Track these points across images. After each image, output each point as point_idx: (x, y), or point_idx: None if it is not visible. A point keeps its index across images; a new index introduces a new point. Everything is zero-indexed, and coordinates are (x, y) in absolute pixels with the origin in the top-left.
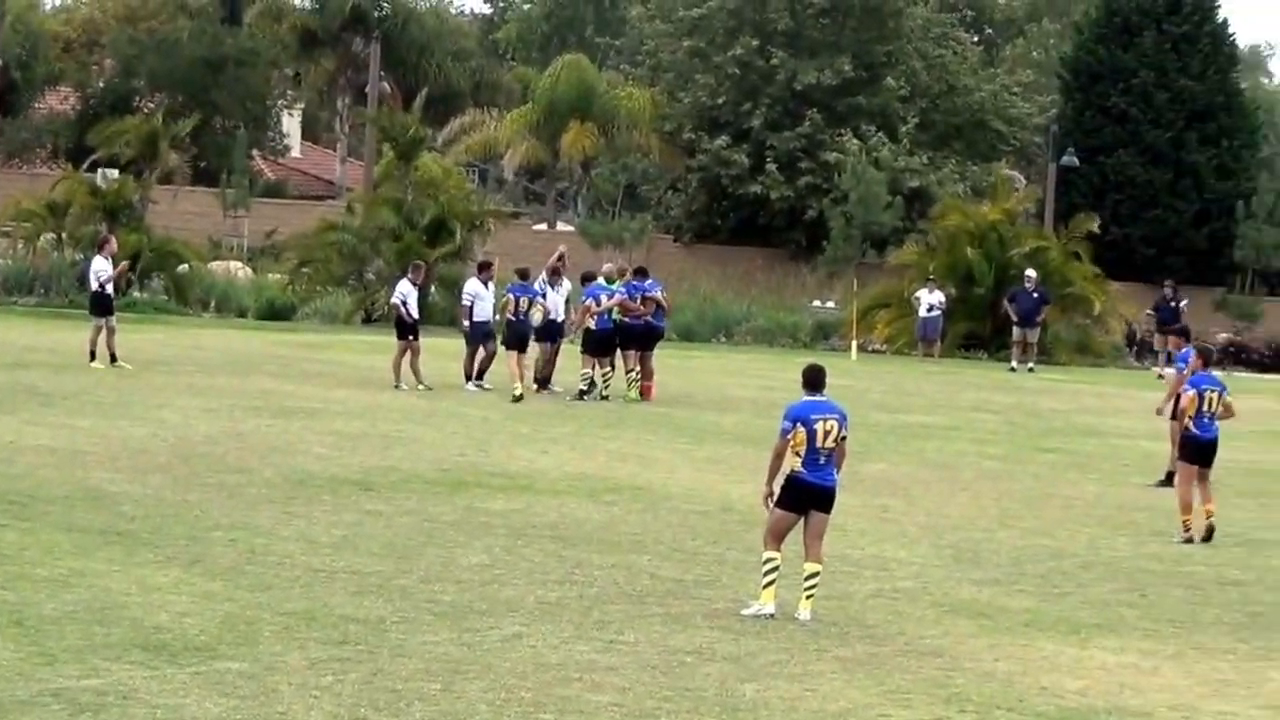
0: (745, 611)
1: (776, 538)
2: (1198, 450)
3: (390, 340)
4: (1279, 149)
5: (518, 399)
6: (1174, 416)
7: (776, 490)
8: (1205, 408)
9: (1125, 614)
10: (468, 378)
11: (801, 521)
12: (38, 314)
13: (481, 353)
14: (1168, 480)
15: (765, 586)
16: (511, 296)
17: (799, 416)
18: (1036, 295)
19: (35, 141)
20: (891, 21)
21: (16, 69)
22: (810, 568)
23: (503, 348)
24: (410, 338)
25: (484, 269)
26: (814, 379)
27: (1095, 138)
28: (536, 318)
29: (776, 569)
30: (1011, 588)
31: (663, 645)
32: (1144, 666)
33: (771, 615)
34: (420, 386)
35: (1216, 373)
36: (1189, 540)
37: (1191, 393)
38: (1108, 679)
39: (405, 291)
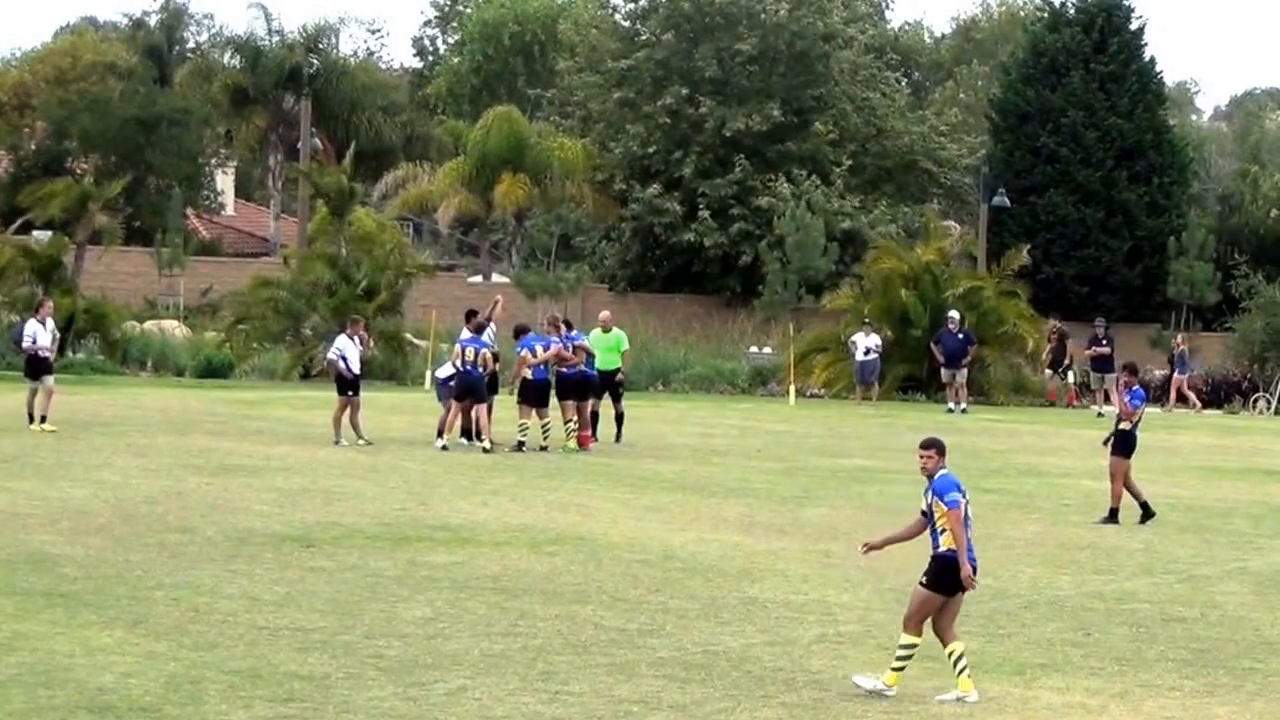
0: (860, 681)
1: (921, 620)
2: None
3: (329, 395)
4: (1209, 185)
5: (487, 450)
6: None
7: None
8: None
9: (1070, 653)
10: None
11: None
12: None
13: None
14: (1111, 517)
15: (896, 670)
16: (459, 347)
17: (962, 488)
18: (961, 336)
19: None
20: (819, 66)
21: None
22: (956, 648)
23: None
24: (350, 393)
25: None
26: (943, 451)
27: (1026, 178)
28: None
29: (913, 656)
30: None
31: (609, 695)
32: (1090, 706)
33: (890, 695)
34: (360, 441)
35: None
36: None
37: None
38: (1054, 719)
39: (343, 346)
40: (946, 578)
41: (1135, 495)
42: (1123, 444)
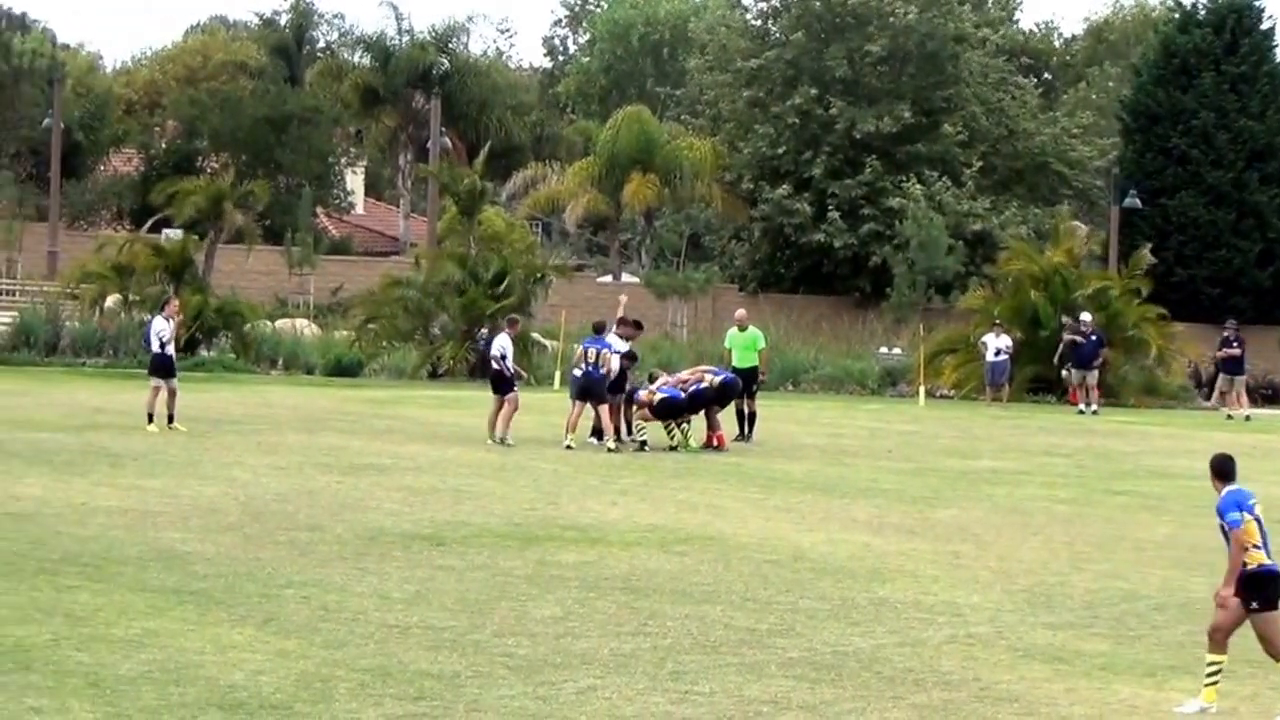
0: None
1: (1228, 636)
2: None
3: (457, 395)
4: None
5: (611, 450)
6: None
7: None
8: None
9: (1200, 656)
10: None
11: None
12: (106, 375)
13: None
14: None
15: (1212, 685)
16: (581, 348)
17: (1243, 505)
18: (1094, 338)
19: (100, 203)
20: (949, 67)
21: (80, 131)
22: (1224, 660)
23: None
24: (507, 391)
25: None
26: (1230, 470)
27: (1157, 179)
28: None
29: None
30: (1085, 631)
31: (738, 695)
32: (1220, 708)
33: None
34: (490, 440)
35: None
36: None
37: None
38: None
39: (505, 346)
40: (1260, 592)
41: None
42: None
